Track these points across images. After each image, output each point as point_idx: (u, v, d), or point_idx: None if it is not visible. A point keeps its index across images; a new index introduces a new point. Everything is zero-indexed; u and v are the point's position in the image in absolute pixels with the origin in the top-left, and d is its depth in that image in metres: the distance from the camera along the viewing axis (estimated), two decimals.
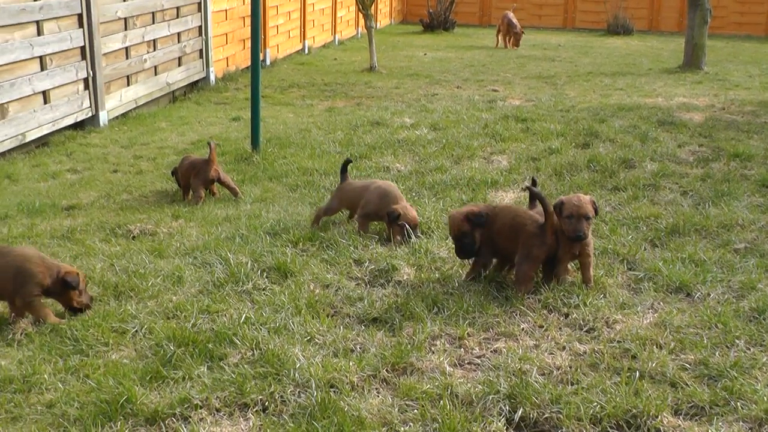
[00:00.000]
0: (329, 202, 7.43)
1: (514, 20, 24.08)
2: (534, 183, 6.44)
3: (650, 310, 5.60)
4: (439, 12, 29.02)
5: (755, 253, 6.62)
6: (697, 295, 5.84)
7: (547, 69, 19.35)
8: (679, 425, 4.23)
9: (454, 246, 6.22)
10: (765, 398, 4.40)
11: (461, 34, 27.99)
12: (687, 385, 4.58)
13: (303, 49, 21.84)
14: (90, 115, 12.16)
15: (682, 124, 11.68)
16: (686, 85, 16.58)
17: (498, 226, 5.99)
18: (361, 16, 23.39)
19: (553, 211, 5.80)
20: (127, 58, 13.19)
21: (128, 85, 13.33)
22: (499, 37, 24.54)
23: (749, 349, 5.02)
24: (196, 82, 15.91)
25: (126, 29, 13.05)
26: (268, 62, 18.95)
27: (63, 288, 5.56)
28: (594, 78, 17.76)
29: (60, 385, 4.61)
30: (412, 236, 6.83)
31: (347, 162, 7.53)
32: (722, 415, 4.32)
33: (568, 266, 6.04)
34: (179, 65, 15.09)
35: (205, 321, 5.34)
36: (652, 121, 11.88)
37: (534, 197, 6.28)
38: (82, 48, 11.78)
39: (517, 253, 5.82)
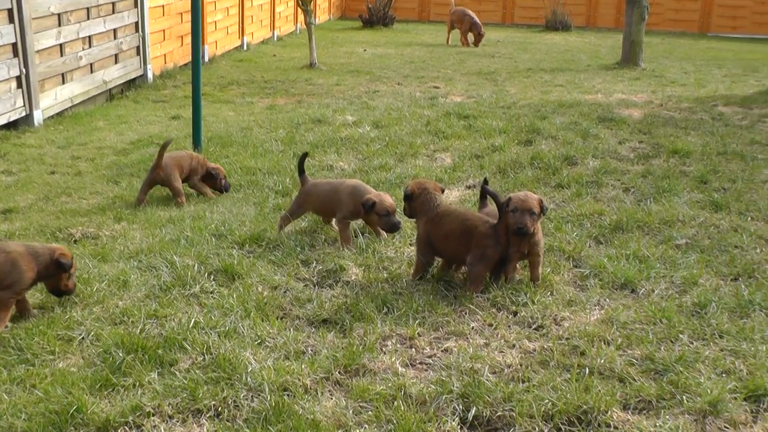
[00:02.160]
0: (292, 206, 7.31)
1: (477, 19, 24.10)
2: (486, 182, 6.51)
3: (597, 307, 5.72)
4: (378, 7, 29.06)
5: (696, 249, 6.77)
6: (642, 291, 5.97)
7: (487, 65, 19.48)
8: (628, 419, 4.33)
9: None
10: (709, 391, 4.52)
11: (401, 30, 28.07)
12: (634, 380, 4.70)
13: (242, 46, 21.75)
14: (24, 114, 11.97)
15: (622, 120, 11.85)
16: (624, 82, 16.81)
17: (445, 231, 6.05)
18: (300, 11, 23.39)
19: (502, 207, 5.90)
20: (61, 55, 13.02)
21: (63, 83, 13.16)
22: (451, 35, 24.59)
23: (692, 344, 5.15)
24: (134, 79, 15.78)
25: (60, 25, 12.87)
26: (206, 59, 18.84)
27: (56, 270, 5.57)
28: (534, 74, 17.93)
29: (5, 397, 4.56)
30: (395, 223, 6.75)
31: (304, 157, 7.37)
32: (668, 408, 4.44)
33: (517, 265, 6.13)
34: (116, 62, 14.94)
35: (154, 326, 5.32)
36: (593, 117, 12.04)
37: (488, 196, 6.37)
38: (14, 44, 11.58)
39: (470, 254, 5.90)
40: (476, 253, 5.87)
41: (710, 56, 22.64)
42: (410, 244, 6.84)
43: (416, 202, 6.19)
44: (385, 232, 6.93)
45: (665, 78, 17.46)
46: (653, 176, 8.88)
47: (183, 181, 8.63)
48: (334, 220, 7.22)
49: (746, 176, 8.90)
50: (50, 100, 12.71)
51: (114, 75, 14.85)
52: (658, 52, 22.41)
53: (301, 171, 7.31)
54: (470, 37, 24.07)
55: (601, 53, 22.32)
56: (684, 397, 4.50)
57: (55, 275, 5.61)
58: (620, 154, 9.95)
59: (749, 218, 7.54)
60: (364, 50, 22.30)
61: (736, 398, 4.49)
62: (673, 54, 22.65)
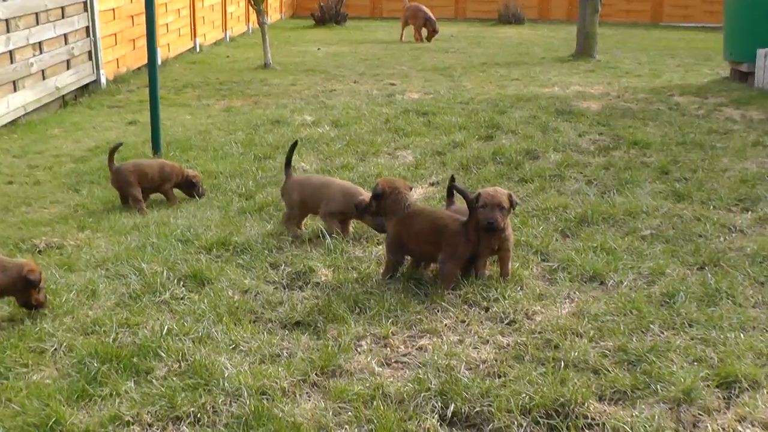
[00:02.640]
0: (291, 210, 7.26)
1: (431, 14, 24.14)
2: (453, 180, 6.56)
3: (567, 300, 5.81)
4: (330, 5, 29.01)
5: (661, 239, 6.89)
6: (611, 282, 6.06)
7: (442, 60, 19.54)
8: (605, 410, 4.41)
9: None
10: (681, 379, 4.62)
11: (354, 28, 28.07)
12: (609, 371, 4.78)
13: (194, 48, 21.66)
14: None
15: (580, 113, 11.98)
16: (580, 74, 16.95)
17: (416, 230, 6.09)
18: (251, 11, 23.33)
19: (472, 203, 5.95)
20: (11, 62, 12.86)
21: (15, 90, 13.01)
22: (404, 32, 24.63)
23: (663, 333, 5.26)
24: (87, 85, 15.66)
25: (8, 31, 12.70)
26: (159, 62, 18.73)
27: (25, 286, 5.56)
28: (489, 69, 18.02)
29: None
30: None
31: (293, 149, 7.32)
32: (643, 398, 4.53)
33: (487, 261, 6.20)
34: (68, 68, 14.82)
35: (126, 334, 5.32)
36: (551, 110, 12.16)
37: (455, 193, 6.44)
38: None
39: (441, 252, 5.95)
40: (447, 251, 5.92)
41: (663, 46, 22.90)
42: (378, 243, 6.89)
43: (387, 201, 6.22)
44: (348, 232, 7.01)
45: (620, 69, 17.63)
46: (615, 168, 9.00)
47: (153, 189, 8.65)
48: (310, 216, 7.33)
49: (706, 165, 9.04)
50: (2, 108, 12.57)
51: (67, 81, 14.73)
52: (611, 43, 22.61)
53: (288, 164, 7.29)
54: (424, 32, 24.14)
55: (555, 46, 22.48)
56: (658, 386, 4.58)
57: (24, 290, 5.60)
58: (581, 146, 10.07)
59: (711, 207, 7.67)
60: (318, 49, 22.29)
61: (708, 386, 4.59)
62: (626, 45, 22.86)
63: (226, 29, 24.58)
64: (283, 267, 6.44)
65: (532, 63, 18.93)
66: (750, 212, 7.56)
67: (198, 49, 21.79)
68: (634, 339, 5.15)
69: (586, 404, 4.42)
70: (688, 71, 17.39)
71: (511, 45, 22.96)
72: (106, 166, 9.63)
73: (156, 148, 10.31)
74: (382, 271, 6.26)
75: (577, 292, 5.92)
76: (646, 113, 12.06)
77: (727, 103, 13.00)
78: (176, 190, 8.73)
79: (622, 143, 10.15)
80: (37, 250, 7.18)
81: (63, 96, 14.75)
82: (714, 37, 24.11)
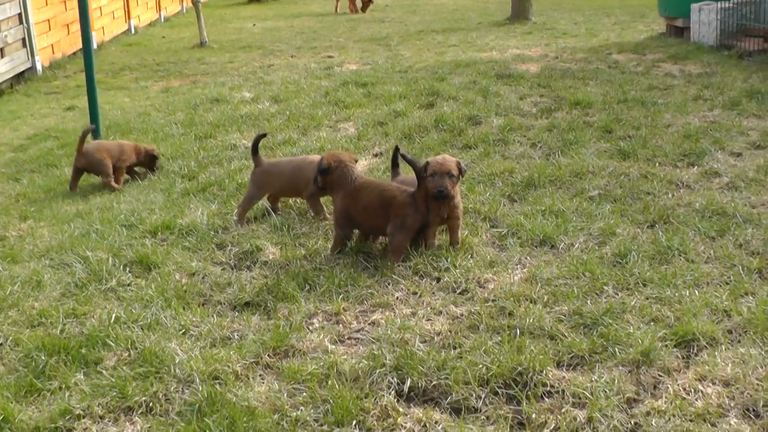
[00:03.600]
0: (250, 190, 6.95)
1: None
2: (397, 149, 6.44)
3: (519, 266, 5.71)
4: None
5: (609, 199, 6.82)
6: (561, 246, 5.97)
7: (378, 31, 19.41)
8: (564, 377, 4.32)
9: None
10: (639, 341, 4.53)
11: (288, 2, 27.86)
12: (565, 336, 4.69)
13: (129, 30, 21.31)
14: None
15: (520, 75, 11.90)
16: (517, 37, 16.90)
17: (364, 203, 5.96)
18: None
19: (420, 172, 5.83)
20: None
21: None
22: (339, 3, 24.40)
23: (617, 294, 5.17)
24: (22, 73, 15.32)
25: None
26: (95, 46, 18.39)
27: None
28: (426, 36, 17.92)
29: None
30: None
31: (259, 137, 6.98)
32: (602, 362, 4.43)
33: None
34: (2, 57, 14.49)
35: (74, 325, 5.14)
36: (491, 75, 12.06)
37: (399, 163, 6.34)
38: None
39: (390, 224, 5.83)
40: (396, 223, 5.80)
41: (598, 5, 22.93)
42: (324, 219, 6.75)
43: (333, 175, 6.07)
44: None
45: (557, 30, 17.62)
46: (558, 129, 8.92)
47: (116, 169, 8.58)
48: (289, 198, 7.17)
49: (649, 122, 8.99)
50: None
51: (1, 70, 14.39)
52: (546, 5, 22.60)
53: (255, 151, 6.97)
54: (358, 3, 23.96)
55: (491, 10, 22.43)
56: (616, 349, 4.49)
57: None
58: (523, 109, 9.98)
59: (657, 164, 7.61)
60: (254, 25, 22.05)
61: (666, 345, 4.51)
62: (561, 6, 22.87)
63: (160, 9, 24.22)
64: (229, 247, 6.29)
65: (468, 28, 18.85)
66: (696, 167, 7.51)
67: (133, 31, 21.45)
68: (588, 302, 5.06)
69: (544, 372, 4.32)
70: (624, 29, 17.40)
71: (446, 12, 22.87)
72: (47, 153, 9.44)
73: (95, 132, 10.06)
74: (330, 246, 6.13)
75: (528, 257, 5.83)
76: (585, 73, 12.01)
77: (665, 58, 12.98)
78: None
79: (563, 104, 10.08)
80: None
81: None
82: None
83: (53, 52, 16.63)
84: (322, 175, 6.10)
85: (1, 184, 8.82)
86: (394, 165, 6.50)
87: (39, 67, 15.73)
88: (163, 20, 24.06)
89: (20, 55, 15.17)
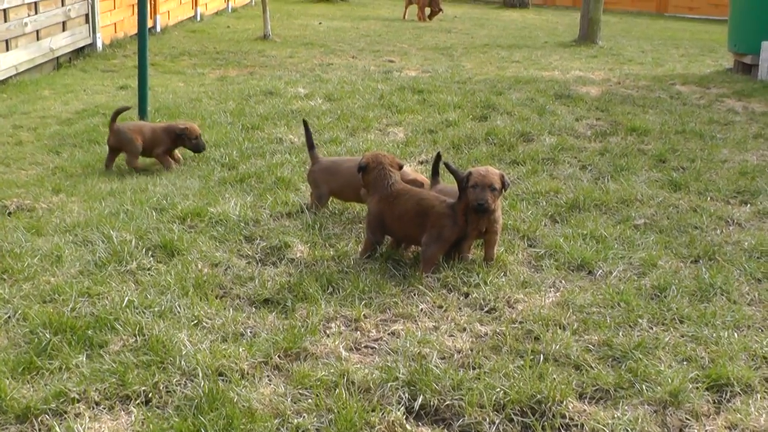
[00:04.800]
0: (319, 191, 6.76)
1: None
2: (439, 157, 6.23)
3: (552, 289, 5.47)
4: None
5: (654, 229, 6.54)
6: (599, 272, 5.72)
7: (443, 40, 19.23)
8: (585, 410, 4.08)
9: None
10: (669, 380, 4.28)
11: (357, 4, 27.75)
12: (591, 367, 4.44)
13: (195, 16, 21.31)
14: None
15: (579, 97, 11.63)
16: (582, 59, 16.63)
17: (400, 211, 5.74)
18: None
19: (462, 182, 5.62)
20: (5, 21, 12.53)
21: (7, 50, 12.68)
22: (408, 10, 24.26)
23: (652, 329, 4.91)
24: (82, 48, 15.32)
25: None
26: (158, 29, 18.40)
27: None
28: (491, 50, 17.71)
29: None
30: None
31: (307, 129, 6.83)
32: (627, 398, 4.19)
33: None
34: (63, 30, 14.48)
35: (85, 305, 4.98)
36: (549, 94, 11.80)
37: (440, 172, 6.12)
38: None
39: (426, 234, 5.62)
40: (432, 234, 5.58)
41: (667, 36, 22.56)
42: (358, 221, 6.56)
43: (369, 175, 5.87)
44: None
45: (623, 56, 17.30)
46: (611, 154, 8.64)
47: (147, 153, 8.48)
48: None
49: (705, 155, 8.67)
50: None
51: (62, 43, 14.39)
52: (615, 31, 22.29)
53: (311, 146, 6.81)
54: (427, 11, 23.79)
55: (559, 31, 22.15)
56: (643, 386, 4.24)
57: None
58: (577, 131, 9.71)
59: (708, 198, 7.31)
60: (320, 23, 21.97)
61: (698, 388, 4.24)
62: (630, 33, 22.53)
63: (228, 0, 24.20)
64: (258, 241, 6.12)
65: (534, 47, 18.61)
66: (749, 205, 7.20)
67: (199, 18, 21.45)
68: (620, 333, 4.81)
69: (564, 402, 4.08)
70: (691, 61, 17.05)
71: (514, 28, 22.63)
72: (92, 129, 9.36)
73: (142, 113, 9.98)
74: (360, 249, 5.93)
75: (563, 281, 5.58)
76: (646, 100, 11.69)
77: (730, 94, 12.62)
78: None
79: (619, 129, 9.79)
80: (7, 212, 6.90)
81: (57, 58, 14.44)
82: (719, 29, 23.81)
83: (115, 31, 16.63)
84: (360, 172, 5.91)
85: (41, 155, 8.74)
86: (435, 173, 6.29)
87: (99, 44, 15.73)
88: (230, 10, 24.06)
89: (82, 31, 15.16)
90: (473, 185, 5.57)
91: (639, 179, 7.78)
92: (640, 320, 4.98)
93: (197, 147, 8.47)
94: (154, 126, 8.62)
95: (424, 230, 5.64)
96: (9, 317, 4.86)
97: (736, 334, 4.84)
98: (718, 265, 5.84)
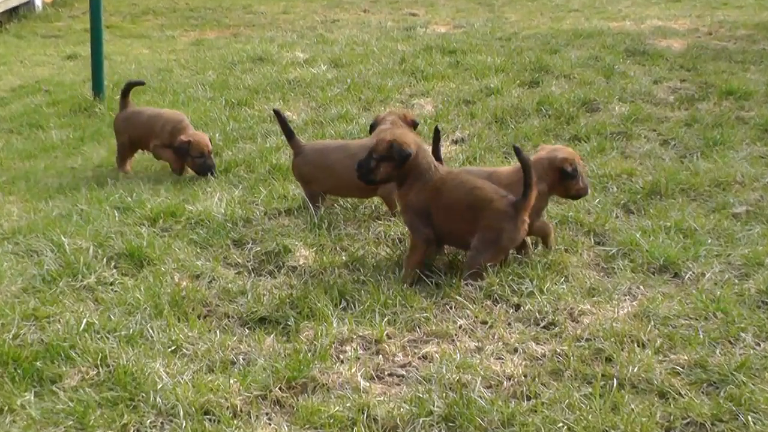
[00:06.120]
0: (309, 188, 6.85)
1: None
2: (437, 134, 6.30)
3: (627, 297, 5.53)
4: None
5: (760, 219, 6.59)
6: (688, 275, 5.78)
7: None
8: None
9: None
10: None
11: None
12: (680, 394, 4.51)
13: None
14: None
15: (658, 53, 11.67)
16: (660, 4, 16.69)
17: (448, 201, 5.77)
18: None
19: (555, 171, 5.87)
20: None
21: None
22: None
23: (758, 345, 4.96)
24: (16, 8, 15.48)
25: None
26: None
27: None
28: None
29: None
30: None
31: (282, 118, 6.89)
32: None
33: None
34: None
35: (32, 330, 5.08)
36: (619, 50, 11.85)
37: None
38: None
39: (477, 236, 5.67)
40: (486, 237, 5.64)
41: None
42: (377, 218, 6.64)
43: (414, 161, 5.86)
44: None
45: None
46: (700, 125, 8.71)
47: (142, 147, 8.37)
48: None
49: None
50: None
51: None
52: None
53: (289, 135, 6.86)
54: None
55: None
56: (749, 417, 4.30)
57: None
58: (656, 96, 9.77)
59: None
60: None
61: None
62: None
63: None
64: (249, 245, 6.23)
65: None
66: None
67: None
68: (717, 352, 4.87)
69: None
70: None
71: None
72: (32, 111, 9.49)
73: (97, 88, 10.11)
74: (406, 259, 5.92)
75: (641, 287, 5.65)
76: (746, 55, 11.73)
77: None
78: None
79: (711, 93, 9.84)
80: None
81: None
82: None
83: None
84: (377, 162, 5.90)
85: None
86: (437, 155, 6.27)
87: (38, 3, 15.90)
88: None
89: None
90: (574, 170, 5.85)
91: (738, 156, 7.84)
92: (742, 335, 5.03)
93: (203, 168, 7.97)
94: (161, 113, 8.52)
95: (474, 228, 5.70)
96: None
97: None
98: None
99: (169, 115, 8.38)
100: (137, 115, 8.34)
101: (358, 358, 4.88)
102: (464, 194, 5.76)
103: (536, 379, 4.65)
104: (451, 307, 5.39)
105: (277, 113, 6.93)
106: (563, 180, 5.88)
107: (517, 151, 5.79)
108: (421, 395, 4.46)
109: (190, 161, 7.97)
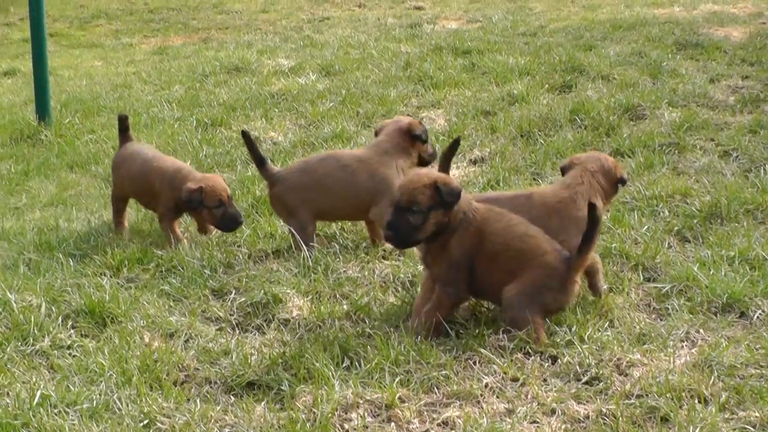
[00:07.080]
0: (297, 218, 6.90)
1: None
2: (456, 144, 6.39)
3: (685, 343, 5.58)
4: None
5: None
6: (757, 314, 5.82)
7: None
8: None
9: (388, 219, 5.81)
10: None
11: None
12: None
13: None
14: None
15: (714, 45, 11.75)
16: None
17: (490, 246, 5.79)
18: None
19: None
20: None
21: None
22: None
23: None
24: None
25: None
26: None
27: None
28: None
29: None
30: None
31: (251, 142, 7.02)
32: None
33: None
34: None
35: None
36: (667, 43, 11.94)
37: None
38: None
39: (516, 285, 5.66)
40: (527, 291, 5.64)
41: None
42: (383, 257, 6.70)
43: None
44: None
45: None
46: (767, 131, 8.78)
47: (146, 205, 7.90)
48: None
49: None
50: None
51: None
52: None
53: (260, 161, 6.93)
54: None
55: None
56: None
57: None
58: (714, 98, 9.84)
59: None
60: None
61: None
62: None
63: None
64: (232, 295, 6.28)
65: None
66: None
67: None
68: None
69: None
70: None
71: None
72: None
73: (42, 111, 10.17)
74: (428, 311, 5.84)
75: (701, 330, 5.69)
76: None
77: None
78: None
79: None
80: None
81: None
82: None
83: None
84: (453, 202, 5.76)
85: None
86: (446, 166, 6.31)
87: None
88: None
89: None
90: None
91: None
92: None
93: (225, 220, 7.35)
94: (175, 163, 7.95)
95: (514, 276, 5.69)
96: None
97: None
98: None
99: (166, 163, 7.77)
100: (131, 160, 7.78)
101: (366, 427, 4.92)
102: (514, 238, 5.77)
103: None
104: (475, 363, 5.43)
105: (245, 135, 7.03)
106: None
107: (591, 208, 5.65)
108: None
109: (206, 213, 7.41)
